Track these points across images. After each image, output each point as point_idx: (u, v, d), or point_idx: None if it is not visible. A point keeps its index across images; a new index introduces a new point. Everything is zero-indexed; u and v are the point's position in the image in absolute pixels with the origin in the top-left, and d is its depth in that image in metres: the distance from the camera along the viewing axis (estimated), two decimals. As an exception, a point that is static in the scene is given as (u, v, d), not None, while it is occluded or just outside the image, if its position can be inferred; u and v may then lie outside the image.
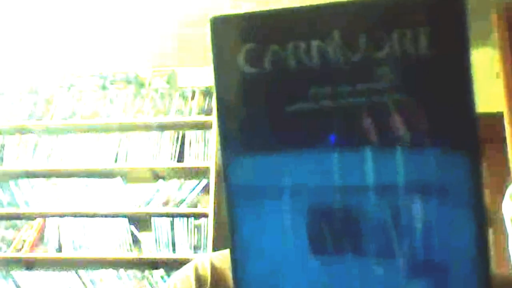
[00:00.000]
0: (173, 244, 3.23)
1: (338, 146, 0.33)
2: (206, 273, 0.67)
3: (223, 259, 0.68)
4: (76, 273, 3.28)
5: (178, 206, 3.28)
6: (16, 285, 3.31)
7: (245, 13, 0.36)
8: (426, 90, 0.34)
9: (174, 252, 3.21)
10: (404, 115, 0.33)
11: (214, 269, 0.67)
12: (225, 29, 0.36)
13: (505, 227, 1.25)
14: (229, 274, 0.65)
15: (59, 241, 3.33)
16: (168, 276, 3.17)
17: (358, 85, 0.33)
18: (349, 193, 0.33)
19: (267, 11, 0.35)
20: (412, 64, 0.33)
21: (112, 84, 3.67)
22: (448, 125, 0.34)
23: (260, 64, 0.34)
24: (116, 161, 3.39)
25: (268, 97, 0.34)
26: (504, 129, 2.70)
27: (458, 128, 0.33)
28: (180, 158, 3.35)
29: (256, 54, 0.34)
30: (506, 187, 1.31)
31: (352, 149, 0.33)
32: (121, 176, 3.39)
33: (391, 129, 0.33)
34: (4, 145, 3.58)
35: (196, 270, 0.68)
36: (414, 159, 0.33)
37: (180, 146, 3.38)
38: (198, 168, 3.30)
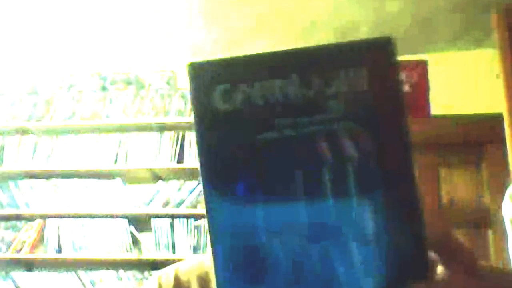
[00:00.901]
0: (173, 245, 3.23)
1: (299, 169, 0.41)
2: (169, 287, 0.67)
3: (189, 271, 0.68)
4: (76, 274, 3.28)
5: (178, 207, 3.28)
6: (15, 286, 3.31)
7: (217, 59, 0.43)
8: (368, 118, 0.41)
9: (174, 253, 3.20)
10: (352, 138, 0.40)
11: (177, 282, 0.67)
12: (200, 73, 0.41)
13: (505, 227, 1.25)
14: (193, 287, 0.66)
15: (58, 242, 3.33)
16: (168, 277, 3.16)
17: (314, 116, 0.40)
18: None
19: (236, 57, 0.42)
20: (356, 98, 0.41)
21: (112, 84, 3.67)
22: (386, 152, 0.41)
23: (232, 101, 0.40)
24: (116, 162, 3.39)
25: (240, 128, 0.41)
26: (504, 130, 2.70)
27: (395, 155, 0.41)
28: (180, 159, 3.35)
29: (228, 93, 0.40)
30: (506, 187, 1.31)
31: (312, 170, 0.41)
32: (121, 177, 3.39)
33: (342, 150, 0.40)
34: (4, 146, 3.58)
35: (160, 285, 0.68)
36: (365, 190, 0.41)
37: (180, 147, 3.38)
38: (198, 169, 3.29)
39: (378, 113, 0.41)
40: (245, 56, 0.42)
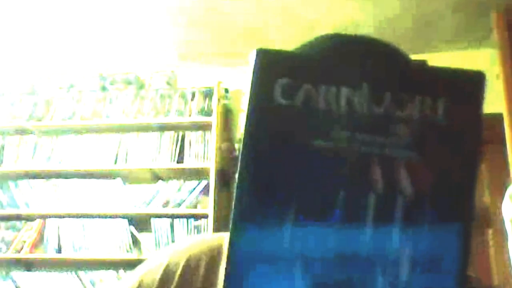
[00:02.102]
0: (173, 245, 3.23)
1: (344, 189, 0.37)
2: None
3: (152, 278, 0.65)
4: (76, 274, 3.28)
5: (178, 207, 3.28)
6: (15, 286, 3.31)
7: (288, 51, 0.40)
8: (436, 154, 0.37)
9: (174, 253, 3.20)
10: (410, 172, 0.36)
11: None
12: (266, 61, 0.38)
13: (505, 227, 1.25)
14: None
15: (58, 242, 3.32)
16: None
17: (375, 136, 0.37)
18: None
19: (308, 53, 0.40)
20: (427, 128, 0.37)
21: (112, 85, 3.66)
22: (449, 194, 0.37)
23: (292, 98, 0.37)
24: (116, 162, 3.39)
25: (294, 128, 0.37)
26: (504, 130, 2.70)
27: (457, 199, 0.37)
28: (180, 159, 3.35)
29: (290, 89, 0.37)
30: (506, 187, 1.31)
31: (357, 194, 0.37)
32: (121, 177, 3.38)
33: (395, 182, 0.36)
34: (4, 146, 3.58)
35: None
36: (411, 227, 0.37)
37: (180, 147, 3.38)
38: (197, 169, 3.30)
39: (449, 152, 0.37)
40: (317, 54, 0.39)
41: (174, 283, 0.63)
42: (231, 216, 0.37)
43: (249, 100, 0.37)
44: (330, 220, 0.36)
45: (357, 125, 0.37)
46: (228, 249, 0.36)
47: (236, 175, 0.37)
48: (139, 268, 0.68)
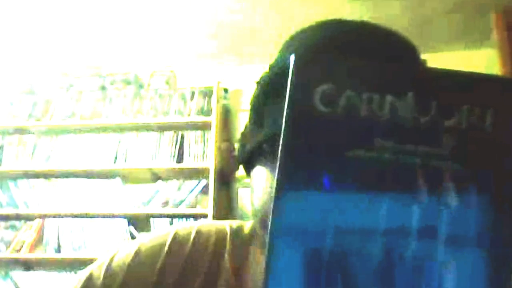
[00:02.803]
0: (172, 245, 3.23)
1: (386, 197, 0.35)
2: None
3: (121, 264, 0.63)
4: (75, 273, 3.27)
5: (177, 207, 3.28)
6: (15, 286, 3.30)
7: (329, 56, 0.38)
8: (483, 167, 0.35)
9: (173, 253, 3.20)
10: (455, 184, 0.35)
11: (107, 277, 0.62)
12: (307, 66, 0.36)
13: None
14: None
15: (58, 241, 3.32)
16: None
17: (420, 146, 0.35)
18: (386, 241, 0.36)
19: (351, 58, 0.38)
20: (475, 139, 0.35)
21: (111, 84, 3.66)
22: (496, 212, 0.35)
23: (334, 106, 0.36)
24: (115, 161, 3.39)
25: (334, 137, 0.36)
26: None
27: (503, 223, 0.35)
28: (179, 159, 3.35)
29: (331, 95, 0.36)
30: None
31: (400, 207, 0.35)
32: (120, 177, 3.38)
33: (440, 195, 0.35)
34: (3, 145, 3.58)
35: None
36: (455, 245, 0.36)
37: (179, 146, 3.38)
38: (197, 168, 3.30)
39: (495, 165, 0.36)
40: (361, 60, 0.37)
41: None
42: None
43: (287, 107, 0.36)
44: (367, 232, 0.35)
45: (401, 135, 0.35)
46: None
47: (272, 189, 0.36)
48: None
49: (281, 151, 0.36)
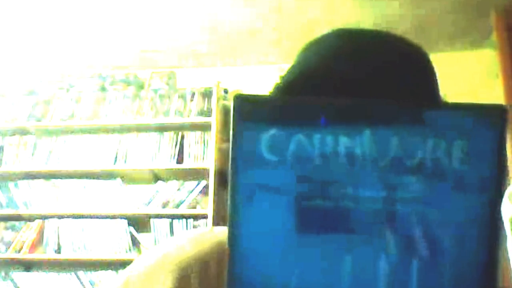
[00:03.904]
0: (173, 246, 3.22)
1: (349, 255, 0.32)
2: None
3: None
4: (75, 274, 3.28)
5: (177, 208, 3.28)
6: (15, 286, 3.30)
7: (272, 96, 0.35)
8: (455, 208, 0.32)
9: (174, 254, 3.19)
10: (425, 229, 0.32)
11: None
12: (248, 109, 0.33)
13: (504, 228, 1.25)
14: None
15: (58, 242, 3.32)
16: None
17: (382, 191, 0.32)
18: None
19: (295, 98, 0.35)
20: (443, 177, 0.32)
21: (111, 85, 3.66)
22: (472, 257, 0.32)
23: (282, 153, 0.32)
24: (115, 162, 3.39)
25: (284, 189, 0.32)
26: (504, 130, 2.69)
27: (481, 265, 0.32)
28: (180, 159, 3.35)
29: (278, 141, 0.32)
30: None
31: (367, 262, 0.32)
32: (121, 177, 3.38)
33: (409, 243, 0.32)
34: (3, 146, 3.57)
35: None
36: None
37: (179, 147, 3.37)
38: (197, 169, 3.30)
39: (469, 205, 0.32)
40: (306, 98, 0.34)
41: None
42: None
43: (231, 151, 0.32)
44: None
45: (360, 180, 0.32)
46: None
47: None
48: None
49: (229, 202, 0.32)
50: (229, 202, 0.32)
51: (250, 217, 0.32)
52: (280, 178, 0.32)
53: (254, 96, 0.33)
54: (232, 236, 0.32)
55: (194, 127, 3.40)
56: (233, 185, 0.32)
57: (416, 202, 0.32)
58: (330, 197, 0.32)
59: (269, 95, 0.38)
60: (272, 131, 0.32)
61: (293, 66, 0.60)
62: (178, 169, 3.33)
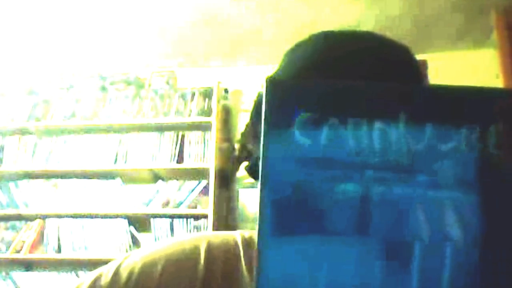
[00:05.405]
0: (173, 245, 3.22)
1: (383, 239, 0.31)
2: None
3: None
4: (76, 274, 3.28)
5: (177, 207, 3.28)
6: (15, 286, 3.30)
7: (305, 80, 0.35)
8: (489, 193, 0.31)
9: (174, 253, 3.19)
10: (458, 215, 0.31)
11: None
12: (282, 93, 0.32)
13: None
14: None
15: (58, 242, 3.32)
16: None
17: (416, 176, 0.31)
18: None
19: (330, 81, 0.34)
20: (477, 163, 0.31)
21: (111, 85, 3.66)
22: (497, 243, 0.31)
23: (316, 137, 0.32)
24: (115, 162, 3.39)
25: (318, 172, 0.31)
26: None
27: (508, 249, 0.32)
28: (180, 159, 3.35)
29: (312, 125, 0.32)
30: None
31: (399, 243, 0.31)
32: (121, 177, 3.38)
33: (441, 229, 0.31)
34: (3, 146, 3.57)
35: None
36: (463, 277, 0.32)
37: (180, 147, 3.37)
38: (197, 169, 3.30)
39: (502, 190, 0.31)
40: (340, 82, 0.33)
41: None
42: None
43: (264, 140, 0.31)
44: (364, 274, 0.31)
45: (394, 165, 0.31)
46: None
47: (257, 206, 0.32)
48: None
49: (260, 191, 0.31)
50: (259, 188, 0.32)
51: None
52: (312, 162, 0.31)
53: (286, 80, 0.34)
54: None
55: (194, 127, 3.40)
56: (264, 169, 0.32)
57: (450, 187, 0.31)
58: (365, 181, 0.32)
59: (301, 80, 0.37)
60: (306, 115, 0.32)
61: (279, 68, 0.60)
62: (178, 169, 3.33)
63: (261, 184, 0.31)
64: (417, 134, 0.32)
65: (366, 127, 0.31)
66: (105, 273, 0.64)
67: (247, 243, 0.63)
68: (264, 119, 0.31)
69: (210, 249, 0.63)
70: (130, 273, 0.61)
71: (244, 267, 0.61)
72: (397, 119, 0.32)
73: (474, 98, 0.32)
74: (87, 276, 0.64)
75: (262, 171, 0.31)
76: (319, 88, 0.33)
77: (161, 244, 0.66)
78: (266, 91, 0.31)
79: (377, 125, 0.32)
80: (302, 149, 0.31)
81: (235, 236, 0.65)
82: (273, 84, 0.32)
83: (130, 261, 0.63)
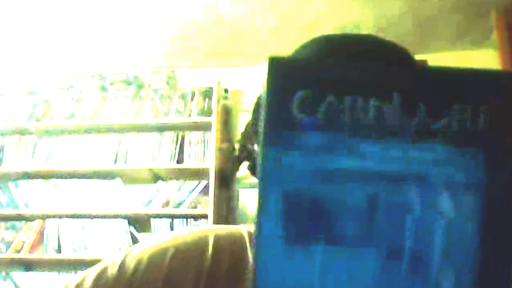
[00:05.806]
0: (173, 245, 3.22)
1: (376, 213, 0.33)
2: None
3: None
4: (76, 274, 3.27)
5: (177, 207, 3.28)
6: (15, 286, 3.30)
7: (306, 59, 0.36)
8: (479, 169, 0.33)
9: (174, 253, 3.20)
10: (449, 191, 0.32)
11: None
12: (283, 71, 0.33)
13: None
14: None
15: (58, 242, 3.32)
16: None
17: (409, 151, 0.33)
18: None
19: (329, 60, 0.35)
20: (467, 139, 0.33)
21: (111, 85, 3.66)
22: (494, 220, 0.32)
23: (314, 113, 0.33)
24: (115, 162, 3.39)
25: (316, 147, 0.33)
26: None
27: (505, 227, 0.33)
28: (180, 159, 3.35)
29: (311, 102, 0.33)
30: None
31: (392, 217, 0.33)
32: (121, 177, 3.38)
33: (434, 204, 0.33)
34: (3, 146, 3.58)
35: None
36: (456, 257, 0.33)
37: (180, 147, 3.38)
38: (197, 169, 3.30)
39: (493, 165, 0.32)
40: (338, 62, 0.35)
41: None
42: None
43: (265, 116, 0.33)
44: (362, 249, 0.33)
45: (388, 140, 0.33)
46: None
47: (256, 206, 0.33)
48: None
49: (259, 166, 0.33)
50: (259, 158, 0.33)
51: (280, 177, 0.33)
52: (310, 138, 0.33)
53: (288, 58, 0.34)
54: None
55: (194, 127, 3.40)
56: (264, 145, 0.33)
57: (444, 165, 0.33)
58: (357, 155, 0.33)
59: (302, 58, 0.39)
60: (304, 92, 0.33)
61: None
62: (178, 169, 3.33)
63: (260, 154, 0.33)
64: (409, 112, 0.33)
65: (362, 104, 0.33)
66: (111, 265, 0.63)
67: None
68: (266, 97, 0.33)
69: (217, 239, 0.64)
70: (138, 264, 0.62)
71: (250, 258, 0.62)
72: (391, 98, 0.33)
73: (468, 79, 0.33)
74: (91, 269, 0.64)
75: (260, 152, 0.33)
76: (319, 67, 0.34)
77: (166, 236, 0.67)
78: (268, 68, 0.33)
79: (372, 103, 0.33)
80: (300, 124, 0.33)
81: (241, 229, 0.67)
82: (275, 61, 0.33)
83: (136, 252, 0.64)
